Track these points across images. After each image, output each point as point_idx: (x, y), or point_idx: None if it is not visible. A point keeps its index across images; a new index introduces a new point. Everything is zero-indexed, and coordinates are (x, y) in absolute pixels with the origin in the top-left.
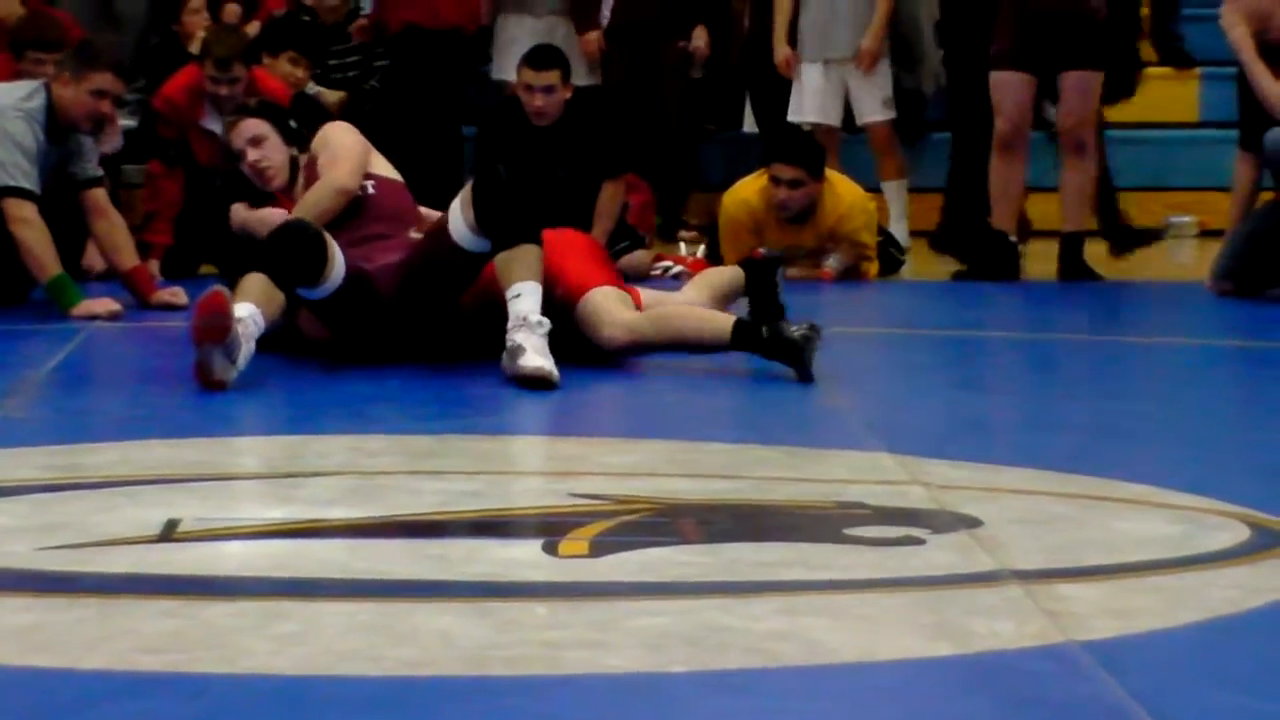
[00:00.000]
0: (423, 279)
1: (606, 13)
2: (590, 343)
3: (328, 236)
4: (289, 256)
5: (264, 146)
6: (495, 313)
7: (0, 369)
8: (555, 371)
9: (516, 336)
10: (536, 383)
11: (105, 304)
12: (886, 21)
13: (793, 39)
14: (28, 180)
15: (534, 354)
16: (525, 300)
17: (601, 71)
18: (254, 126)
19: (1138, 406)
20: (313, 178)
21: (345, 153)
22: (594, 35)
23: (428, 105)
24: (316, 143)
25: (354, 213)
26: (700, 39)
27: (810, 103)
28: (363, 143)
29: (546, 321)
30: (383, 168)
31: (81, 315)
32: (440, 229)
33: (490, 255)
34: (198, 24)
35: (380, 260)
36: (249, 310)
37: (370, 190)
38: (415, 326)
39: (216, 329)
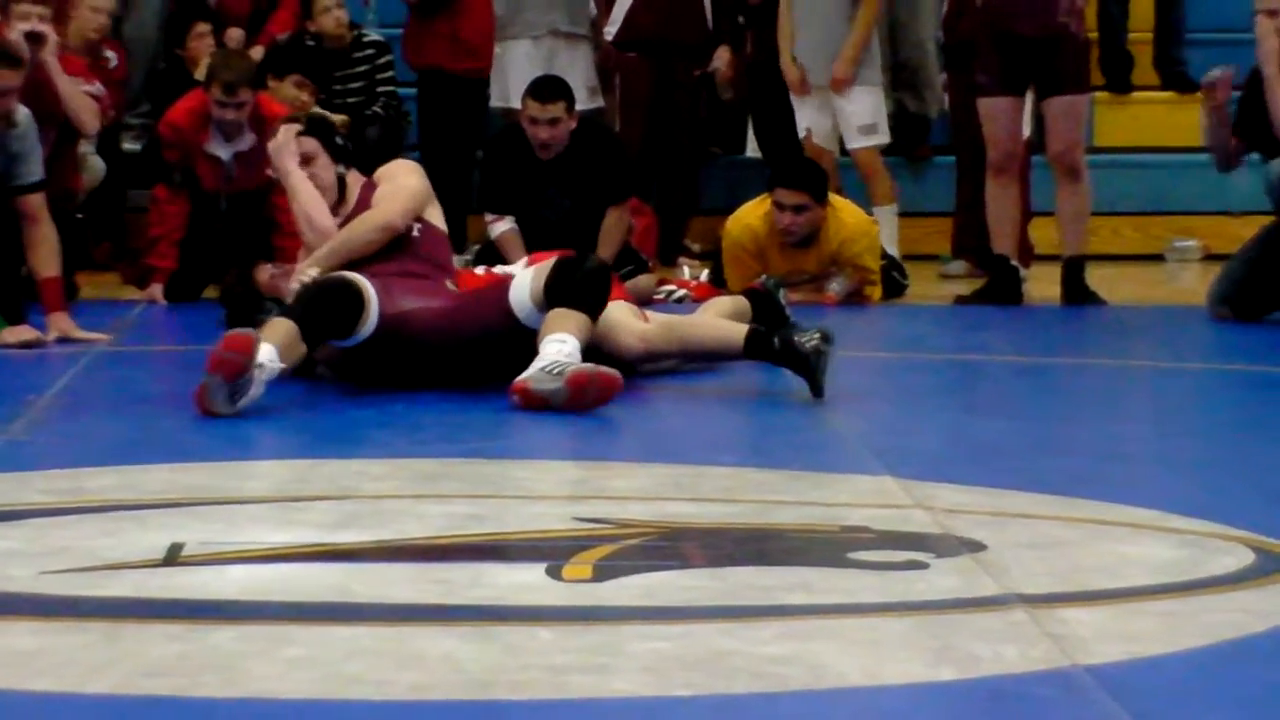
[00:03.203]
0: (467, 336)
1: (613, 29)
2: (605, 356)
3: (367, 290)
4: (327, 313)
5: (314, 165)
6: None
7: (3, 394)
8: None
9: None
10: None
11: (20, 333)
12: (859, 49)
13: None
14: None
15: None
16: (567, 345)
17: (622, 88)
18: (304, 145)
19: (1141, 431)
20: (365, 200)
21: (406, 193)
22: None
23: (443, 142)
24: (383, 172)
25: (399, 247)
26: (722, 60)
27: (806, 124)
28: (427, 190)
29: (567, 368)
30: (435, 217)
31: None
32: (497, 293)
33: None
34: (203, 49)
35: (420, 302)
36: (269, 356)
37: (415, 233)
38: (444, 369)
39: (231, 366)
